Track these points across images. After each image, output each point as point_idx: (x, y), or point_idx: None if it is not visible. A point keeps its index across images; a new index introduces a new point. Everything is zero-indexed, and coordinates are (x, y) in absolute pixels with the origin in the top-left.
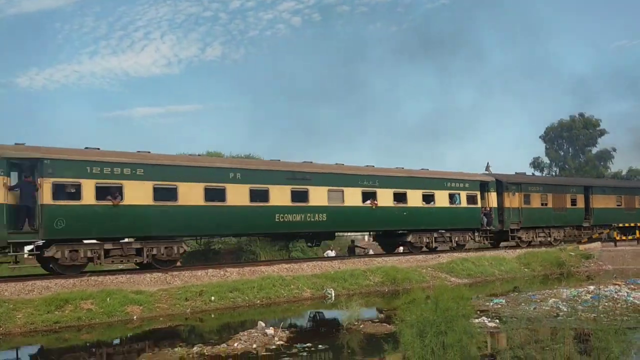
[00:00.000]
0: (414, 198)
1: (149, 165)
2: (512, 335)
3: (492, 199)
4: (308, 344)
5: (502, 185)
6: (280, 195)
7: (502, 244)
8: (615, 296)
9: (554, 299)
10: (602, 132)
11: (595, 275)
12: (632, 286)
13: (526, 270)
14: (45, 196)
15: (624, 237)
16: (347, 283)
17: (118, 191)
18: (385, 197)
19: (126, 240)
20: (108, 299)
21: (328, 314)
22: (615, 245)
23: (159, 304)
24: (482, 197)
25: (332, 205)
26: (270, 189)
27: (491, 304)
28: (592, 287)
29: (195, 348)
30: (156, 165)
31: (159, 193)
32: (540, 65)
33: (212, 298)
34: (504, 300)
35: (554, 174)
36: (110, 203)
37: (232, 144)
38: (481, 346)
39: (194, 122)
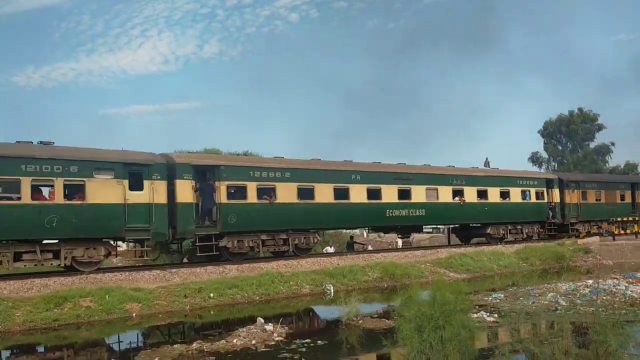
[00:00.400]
0: (494, 194)
1: (294, 169)
2: (511, 329)
3: (556, 195)
4: (307, 340)
5: (563, 183)
6: (389, 194)
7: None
8: (614, 290)
9: (552, 293)
10: (600, 127)
11: (594, 269)
12: (630, 280)
13: (524, 265)
14: (222, 196)
15: (622, 232)
16: (346, 279)
17: (272, 191)
18: (470, 194)
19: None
20: (107, 297)
21: (327, 309)
22: (614, 240)
23: (158, 301)
24: (547, 193)
25: (429, 201)
26: (382, 188)
27: (490, 298)
28: (590, 281)
29: (194, 344)
30: (299, 169)
31: (301, 193)
32: (549, 57)
33: (211, 295)
34: (502, 295)
35: (552, 168)
36: (267, 201)
37: (230, 140)
38: (480, 340)
39: (191, 120)
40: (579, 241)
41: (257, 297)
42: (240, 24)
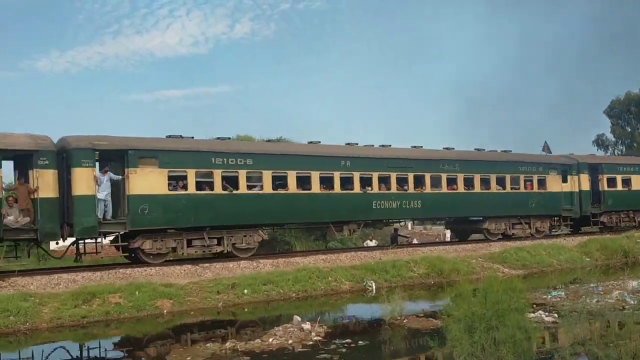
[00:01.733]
0: None
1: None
2: (572, 330)
3: None
4: (347, 340)
5: None
6: None
7: None
8: None
9: (619, 291)
10: None
11: None
12: None
13: (587, 259)
14: (604, 185)
15: None
16: (388, 275)
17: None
18: None
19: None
20: (137, 293)
21: (368, 307)
22: None
23: (190, 297)
24: None
25: None
26: None
27: (549, 296)
28: None
29: (228, 343)
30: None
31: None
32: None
33: (245, 291)
34: (563, 293)
35: (619, 152)
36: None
37: (262, 127)
38: (538, 342)
39: (222, 104)
40: None
41: (294, 294)
42: (273, 1)
